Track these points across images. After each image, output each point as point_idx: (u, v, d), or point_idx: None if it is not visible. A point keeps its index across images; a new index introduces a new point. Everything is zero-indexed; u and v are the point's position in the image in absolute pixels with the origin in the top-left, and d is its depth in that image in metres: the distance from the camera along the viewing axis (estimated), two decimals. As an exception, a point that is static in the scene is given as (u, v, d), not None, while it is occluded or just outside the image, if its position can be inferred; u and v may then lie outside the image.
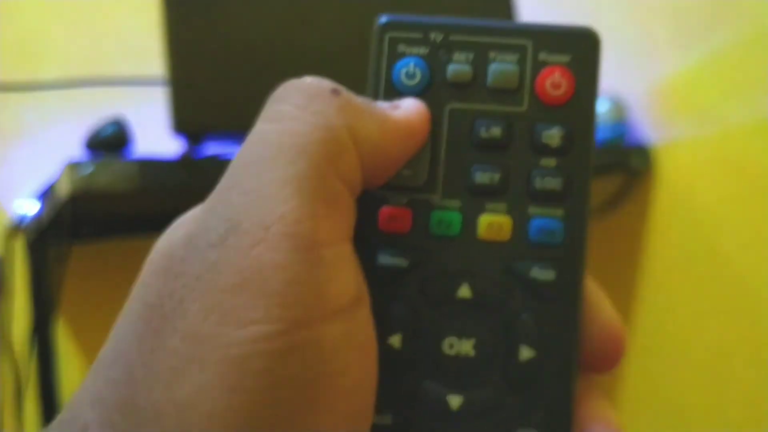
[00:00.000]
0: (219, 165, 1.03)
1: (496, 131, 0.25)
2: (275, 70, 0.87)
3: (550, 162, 0.25)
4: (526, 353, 0.24)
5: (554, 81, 0.25)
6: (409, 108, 0.24)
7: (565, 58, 0.25)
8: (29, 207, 1.02)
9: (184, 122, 0.83)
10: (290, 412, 0.20)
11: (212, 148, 0.88)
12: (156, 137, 0.87)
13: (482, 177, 0.25)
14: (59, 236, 0.92)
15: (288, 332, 0.19)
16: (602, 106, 1.13)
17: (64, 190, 0.80)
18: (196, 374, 0.19)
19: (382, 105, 0.24)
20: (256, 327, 0.19)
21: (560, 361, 0.24)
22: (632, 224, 1.17)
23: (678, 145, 1.11)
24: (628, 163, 1.12)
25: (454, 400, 0.24)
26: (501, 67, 0.25)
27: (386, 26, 0.26)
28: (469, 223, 0.25)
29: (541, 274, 0.24)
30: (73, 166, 0.78)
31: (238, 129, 0.93)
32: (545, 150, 0.25)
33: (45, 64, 1.13)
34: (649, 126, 1.15)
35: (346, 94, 0.23)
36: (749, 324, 1.03)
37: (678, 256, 1.12)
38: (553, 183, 0.25)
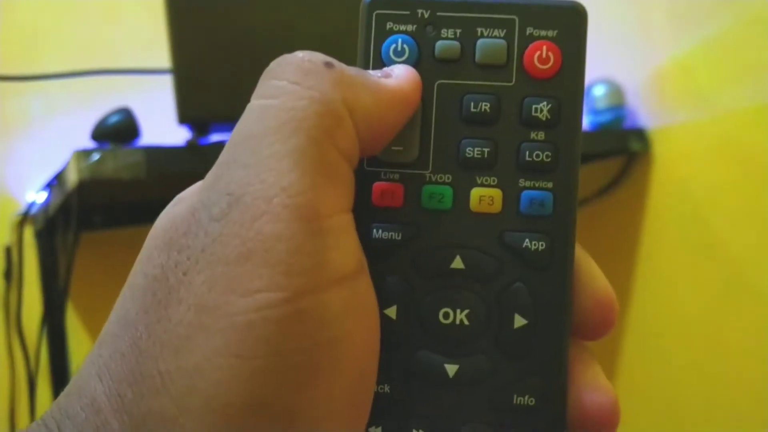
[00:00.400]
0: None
1: (485, 106, 0.25)
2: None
3: (538, 135, 0.25)
4: (519, 321, 0.25)
5: (542, 55, 0.25)
6: (401, 75, 0.25)
7: (552, 33, 0.25)
8: (37, 196, 1.03)
9: (190, 113, 0.83)
10: (297, 376, 0.20)
11: (218, 137, 0.89)
12: (162, 127, 0.87)
13: (472, 151, 0.25)
14: (67, 224, 0.93)
15: (292, 300, 0.20)
16: (601, 90, 1.14)
17: (71, 178, 0.80)
18: (203, 342, 0.20)
19: (374, 74, 0.25)
20: (261, 295, 0.20)
21: (553, 328, 0.25)
22: (630, 205, 1.17)
23: (675, 128, 1.11)
24: (627, 146, 1.12)
25: (451, 369, 0.25)
26: (489, 43, 0.25)
27: (373, 3, 0.26)
28: (461, 197, 0.25)
29: (533, 244, 0.25)
30: (80, 155, 0.78)
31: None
32: (534, 123, 0.25)
33: (50, 54, 1.13)
34: (648, 110, 1.15)
35: (339, 66, 0.23)
36: (745, 304, 1.03)
37: (675, 237, 1.12)
38: (542, 155, 0.25)
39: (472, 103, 0.25)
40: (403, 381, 0.25)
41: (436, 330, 0.25)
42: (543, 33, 0.25)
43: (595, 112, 1.14)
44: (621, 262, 1.19)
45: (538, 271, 0.25)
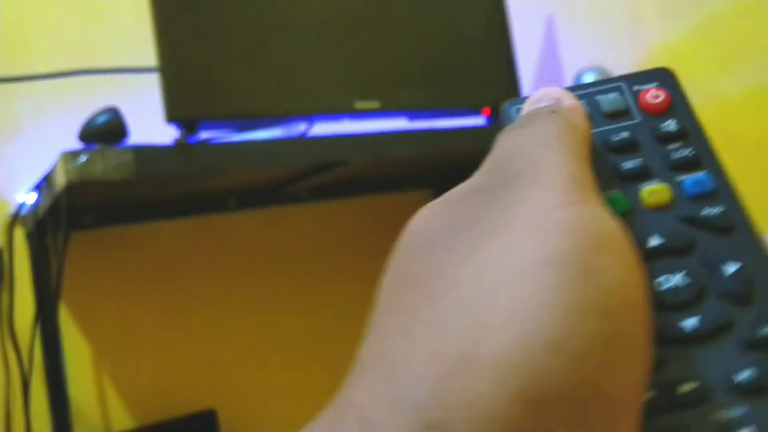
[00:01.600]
0: (212, 150, 1.02)
1: (624, 136, 0.30)
2: (267, 56, 0.87)
3: (676, 144, 0.29)
4: (731, 268, 0.27)
5: (653, 94, 0.30)
6: (566, 98, 0.30)
7: (654, 84, 0.31)
8: (27, 197, 1.03)
9: (178, 111, 0.83)
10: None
11: (207, 135, 0.89)
12: (151, 126, 0.87)
13: (629, 166, 0.29)
14: (57, 225, 0.93)
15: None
16: (590, 78, 1.14)
17: (60, 179, 0.80)
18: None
19: (547, 107, 0.29)
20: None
21: (762, 263, 0.27)
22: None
23: (665, 115, 1.11)
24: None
25: (689, 322, 0.26)
26: (608, 98, 0.31)
27: (511, 105, 0.31)
28: (633, 199, 0.29)
29: (710, 211, 0.28)
30: (69, 156, 0.78)
31: (232, 115, 0.93)
32: (668, 137, 0.30)
33: (37, 54, 1.12)
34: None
35: (558, 107, 0.28)
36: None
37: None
38: (685, 153, 0.29)
39: (613, 137, 0.30)
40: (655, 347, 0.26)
41: (657, 295, 0.27)
42: (647, 86, 0.31)
43: (584, 100, 1.14)
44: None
45: (723, 233, 0.28)
